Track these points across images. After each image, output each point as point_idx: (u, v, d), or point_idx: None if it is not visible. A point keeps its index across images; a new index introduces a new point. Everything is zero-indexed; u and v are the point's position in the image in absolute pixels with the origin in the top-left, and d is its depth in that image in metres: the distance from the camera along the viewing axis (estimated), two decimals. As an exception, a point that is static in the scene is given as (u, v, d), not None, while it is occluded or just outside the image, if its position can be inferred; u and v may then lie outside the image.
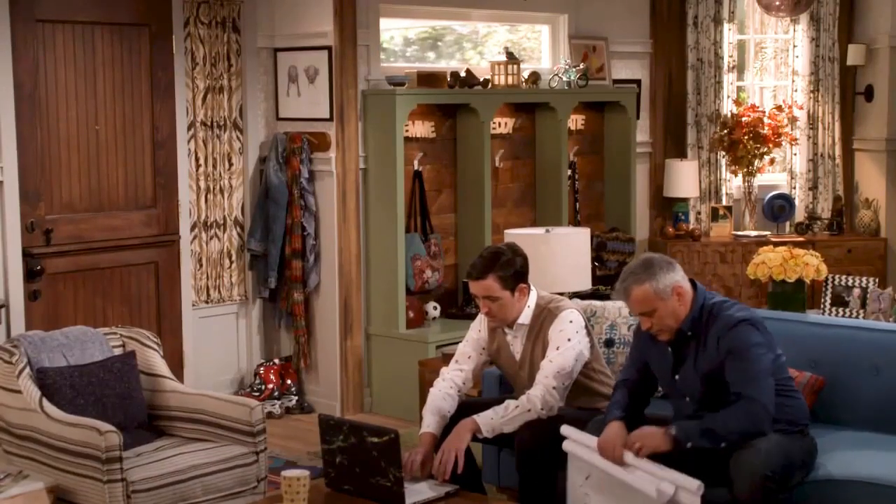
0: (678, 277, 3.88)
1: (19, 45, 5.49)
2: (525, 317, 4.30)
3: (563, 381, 4.17)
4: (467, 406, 4.30)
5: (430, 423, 4.22)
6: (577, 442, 3.94)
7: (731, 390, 3.80)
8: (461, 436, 4.06)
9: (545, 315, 4.27)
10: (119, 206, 5.91)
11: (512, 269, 4.24)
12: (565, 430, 3.98)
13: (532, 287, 4.34)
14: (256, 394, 6.39)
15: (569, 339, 4.19)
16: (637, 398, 4.06)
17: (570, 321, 4.22)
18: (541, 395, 4.13)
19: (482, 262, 4.26)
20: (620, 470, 3.77)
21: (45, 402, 4.24)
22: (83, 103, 5.74)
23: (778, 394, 3.83)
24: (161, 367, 4.72)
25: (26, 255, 5.55)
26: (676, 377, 3.94)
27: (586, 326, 4.29)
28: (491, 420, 4.10)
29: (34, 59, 5.55)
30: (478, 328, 4.45)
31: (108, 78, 5.82)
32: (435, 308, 6.61)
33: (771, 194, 8.02)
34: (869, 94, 8.01)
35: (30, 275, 5.55)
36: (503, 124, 7.02)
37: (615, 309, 4.83)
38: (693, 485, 3.60)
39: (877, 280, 5.67)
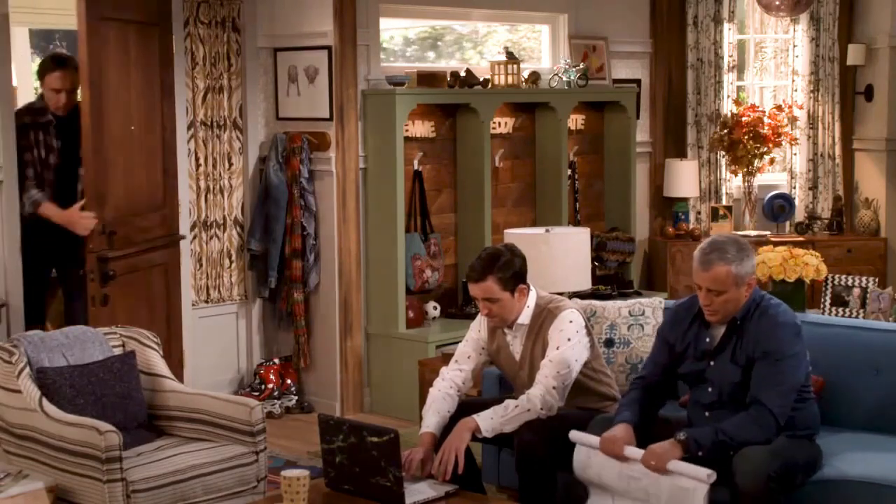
0: (753, 270, 3.91)
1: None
2: (525, 317, 4.30)
3: (563, 381, 4.17)
4: (467, 406, 4.30)
5: (429, 422, 4.22)
6: (586, 444, 3.96)
7: (751, 392, 3.80)
8: (461, 435, 4.06)
9: (545, 315, 4.27)
10: (143, 208, 5.80)
11: (511, 270, 4.25)
12: (574, 435, 3.99)
13: (532, 287, 4.34)
14: (256, 393, 6.39)
15: (569, 339, 4.20)
16: (652, 399, 4.06)
17: (570, 321, 4.23)
18: (540, 394, 4.13)
19: (481, 264, 4.26)
20: (626, 468, 3.78)
21: (45, 402, 4.24)
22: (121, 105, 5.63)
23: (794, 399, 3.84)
24: (161, 366, 4.72)
25: (26, 254, 5.54)
26: (711, 363, 3.93)
27: (586, 326, 4.29)
28: (491, 420, 4.11)
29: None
30: (477, 328, 4.46)
31: (135, 77, 5.69)
32: (435, 308, 6.61)
33: (771, 194, 8.02)
34: (869, 93, 8.01)
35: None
36: (503, 124, 7.02)
37: (615, 309, 4.83)
38: (703, 473, 3.61)
39: (876, 280, 5.67)
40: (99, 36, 5.24)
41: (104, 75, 5.29)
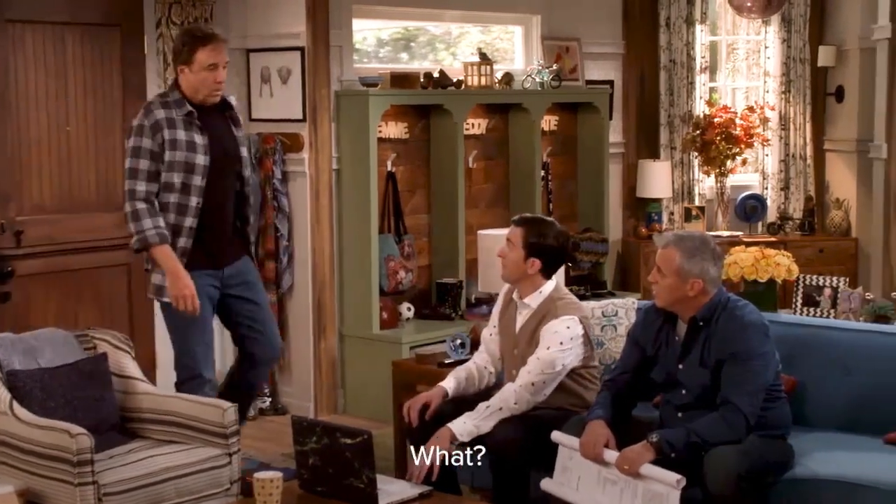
0: (706, 276, 3.89)
1: (-11, 46, 5.45)
2: (534, 300, 4.33)
3: (543, 381, 4.18)
4: (459, 402, 4.32)
5: (447, 381, 4.36)
6: (566, 445, 3.98)
7: (721, 392, 3.82)
8: (439, 443, 4.08)
9: (549, 309, 4.29)
10: (91, 207, 5.87)
11: (540, 239, 4.30)
12: (556, 436, 4.01)
13: (554, 279, 4.38)
14: (230, 395, 6.36)
15: (560, 343, 4.20)
16: (624, 399, 4.08)
17: (567, 327, 4.23)
18: (515, 389, 4.16)
19: (528, 216, 4.43)
20: (604, 470, 3.80)
21: (16, 405, 4.20)
22: (54, 104, 5.70)
23: (765, 398, 3.86)
24: (133, 369, 4.69)
25: (-4, 256, 5.51)
26: (681, 366, 3.95)
27: (585, 335, 4.28)
28: (464, 424, 4.13)
29: (3, 60, 5.50)
30: (496, 304, 4.54)
31: (78, 79, 5.78)
32: (409, 309, 6.60)
33: (743, 195, 8.07)
34: (839, 95, 8.07)
35: (0, 277, 5.50)
36: (476, 125, 7.02)
37: (588, 310, 4.84)
38: (672, 478, 3.62)
39: (847, 280, 5.70)
40: (2, 38, 5.42)
41: (14, 77, 5.49)
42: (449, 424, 4.13)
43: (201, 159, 4.59)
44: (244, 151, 4.80)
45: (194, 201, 4.61)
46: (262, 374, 5.21)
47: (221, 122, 4.74)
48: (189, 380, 4.74)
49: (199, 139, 4.60)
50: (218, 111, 4.74)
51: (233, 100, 4.87)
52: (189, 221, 4.63)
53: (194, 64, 4.59)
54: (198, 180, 4.59)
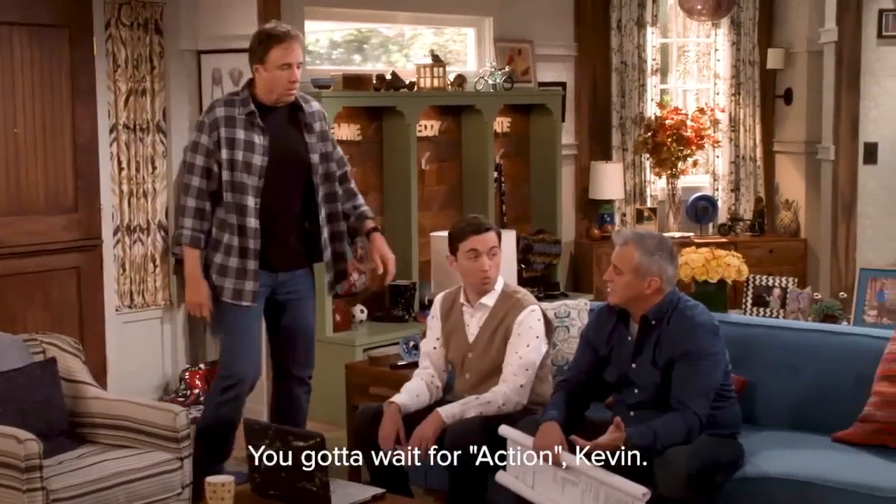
0: (664, 274, 3.94)
1: (-66, 47, 5.39)
2: (490, 298, 4.33)
3: (529, 379, 4.21)
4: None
5: (399, 396, 4.25)
6: (515, 441, 3.98)
7: (674, 394, 3.85)
8: (431, 427, 4.08)
9: (511, 304, 4.29)
10: (40, 210, 5.81)
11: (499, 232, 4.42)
12: (504, 430, 4.01)
13: (501, 276, 4.41)
14: (182, 399, 6.32)
15: (536, 337, 4.24)
16: (577, 400, 4.09)
17: (538, 319, 4.27)
18: (505, 392, 4.17)
19: (482, 218, 4.41)
20: (561, 471, 3.80)
21: (-37, 411, 4.17)
22: (1, 106, 5.64)
23: (715, 398, 3.90)
24: (82, 373, 4.65)
25: (-57, 260, 5.44)
26: (634, 365, 3.98)
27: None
28: (451, 408, 4.14)
29: (-50, 60, 5.45)
30: (432, 315, 4.48)
31: (27, 80, 5.72)
32: (362, 311, 6.60)
33: (694, 196, 8.14)
34: (788, 97, 8.16)
35: (-53, 281, 5.44)
36: (429, 127, 7.03)
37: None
38: (638, 491, 3.62)
39: (796, 280, 5.77)
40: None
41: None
42: (439, 409, 4.13)
43: (258, 159, 4.53)
44: (315, 158, 4.68)
45: (251, 201, 4.53)
46: (294, 392, 4.97)
47: (289, 125, 4.65)
48: (228, 377, 4.70)
49: (258, 139, 4.54)
50: (290, 114, 4.66)
51: (314, 105, 4.75)
52: (252, 223, 4.55)
53: (268, 62, 4.51)
54: (254, 180, 4.53)
